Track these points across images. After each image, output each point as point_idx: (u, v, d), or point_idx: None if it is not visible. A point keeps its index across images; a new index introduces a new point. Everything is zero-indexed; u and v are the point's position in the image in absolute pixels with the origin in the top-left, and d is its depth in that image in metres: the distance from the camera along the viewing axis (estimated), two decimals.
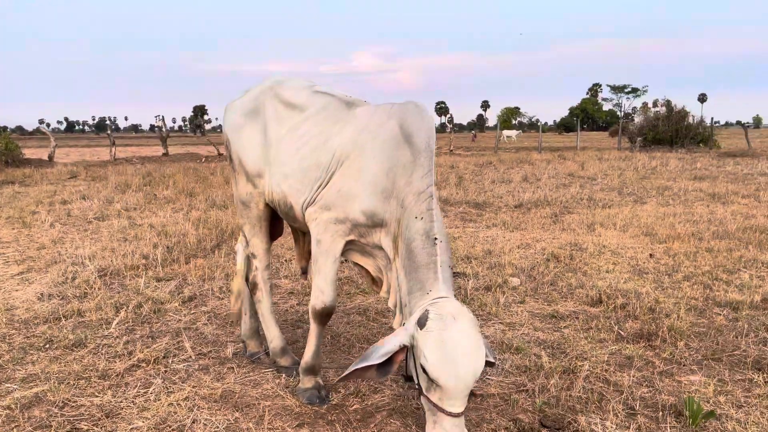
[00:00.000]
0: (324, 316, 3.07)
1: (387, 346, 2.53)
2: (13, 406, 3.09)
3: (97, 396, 3.19)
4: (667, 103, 30.08)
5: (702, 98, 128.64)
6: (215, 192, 11.78)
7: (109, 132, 27.21)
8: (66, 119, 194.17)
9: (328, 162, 3.01)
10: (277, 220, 3.64)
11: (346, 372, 2.56)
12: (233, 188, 3.61)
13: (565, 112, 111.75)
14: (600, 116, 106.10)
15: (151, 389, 3.27)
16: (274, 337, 3.58)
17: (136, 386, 3.32)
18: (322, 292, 3.02)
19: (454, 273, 5.56)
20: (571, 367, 3.53)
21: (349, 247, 3.04)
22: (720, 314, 4.50)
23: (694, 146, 27.05)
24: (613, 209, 9.88)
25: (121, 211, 9.84)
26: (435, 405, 2.43)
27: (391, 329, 4.20)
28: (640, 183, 13.74)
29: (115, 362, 3.64)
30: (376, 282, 3.13)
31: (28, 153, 24.77)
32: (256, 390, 3.29)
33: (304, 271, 3.72)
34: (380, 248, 2.94)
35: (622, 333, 4.12)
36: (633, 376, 3.42)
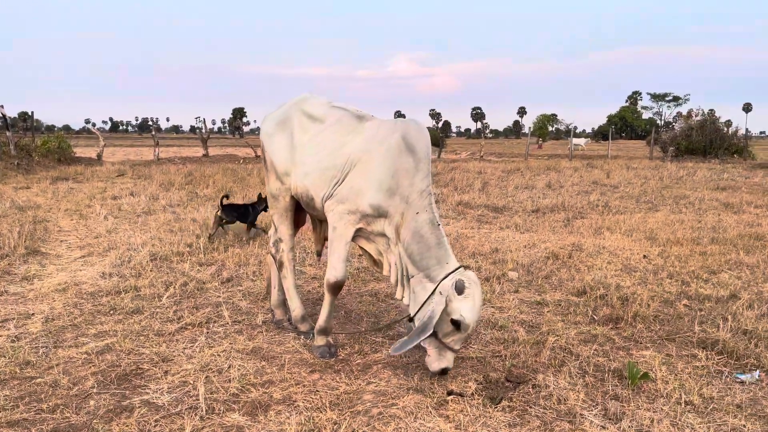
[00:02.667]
0: (336, 288, 3.82)
1: (435, 316, 3.35)
2: (89, 352, 3.92)
3: (154, 347, 4.00)
4: (707, 112, 30.09)
5: (747, 108, 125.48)
6: (252, 191, 12.66)
7: (153, 133, 28.63)
8: (111, 119, 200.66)
9: (343, 164, 3.76)
10: (300, 212, 4.41)
11: (408, 347, 3.34)
12: (266, 184, 4.39)
13: (604, 120, 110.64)
14: (639, 125, 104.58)
15: (196, 344, 4.07)
16: (296, 307, 4.35)
17: (184, 342, 4.12)
18: (335, 268, 3.77)
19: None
20: (542, 340, 4.20)
21: (357, 233, 3.79)
22: (688, 306, 5.09)
23: (728, 157, 26.99)
24: (625, 215, 10.38)
25: (166, 206, 10.80)
26: (446, 345, 3.40)
27: (396, 306, 4.94)
28: (660, 192, 14.12)
29: (167, 325, 4.46)
30: (376, 263, 3.87)
31: (78, 152, 26.30)
32: (280, 347, 4.06)
33: (319, 254, 4.49)
34: (383, 235, 3.69)
35: (595, 317, 4.75)
36: (593, 349, 4.06)
